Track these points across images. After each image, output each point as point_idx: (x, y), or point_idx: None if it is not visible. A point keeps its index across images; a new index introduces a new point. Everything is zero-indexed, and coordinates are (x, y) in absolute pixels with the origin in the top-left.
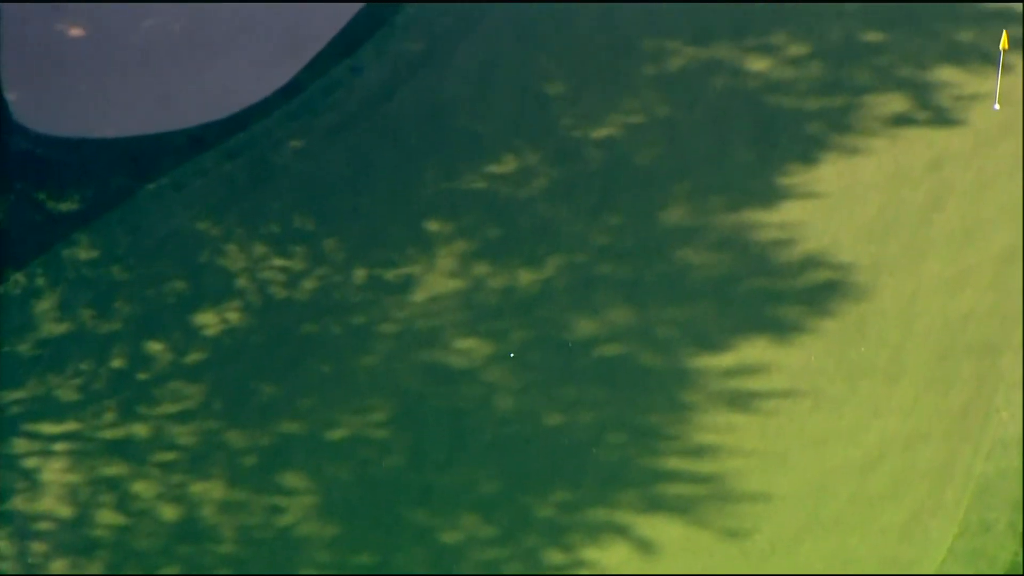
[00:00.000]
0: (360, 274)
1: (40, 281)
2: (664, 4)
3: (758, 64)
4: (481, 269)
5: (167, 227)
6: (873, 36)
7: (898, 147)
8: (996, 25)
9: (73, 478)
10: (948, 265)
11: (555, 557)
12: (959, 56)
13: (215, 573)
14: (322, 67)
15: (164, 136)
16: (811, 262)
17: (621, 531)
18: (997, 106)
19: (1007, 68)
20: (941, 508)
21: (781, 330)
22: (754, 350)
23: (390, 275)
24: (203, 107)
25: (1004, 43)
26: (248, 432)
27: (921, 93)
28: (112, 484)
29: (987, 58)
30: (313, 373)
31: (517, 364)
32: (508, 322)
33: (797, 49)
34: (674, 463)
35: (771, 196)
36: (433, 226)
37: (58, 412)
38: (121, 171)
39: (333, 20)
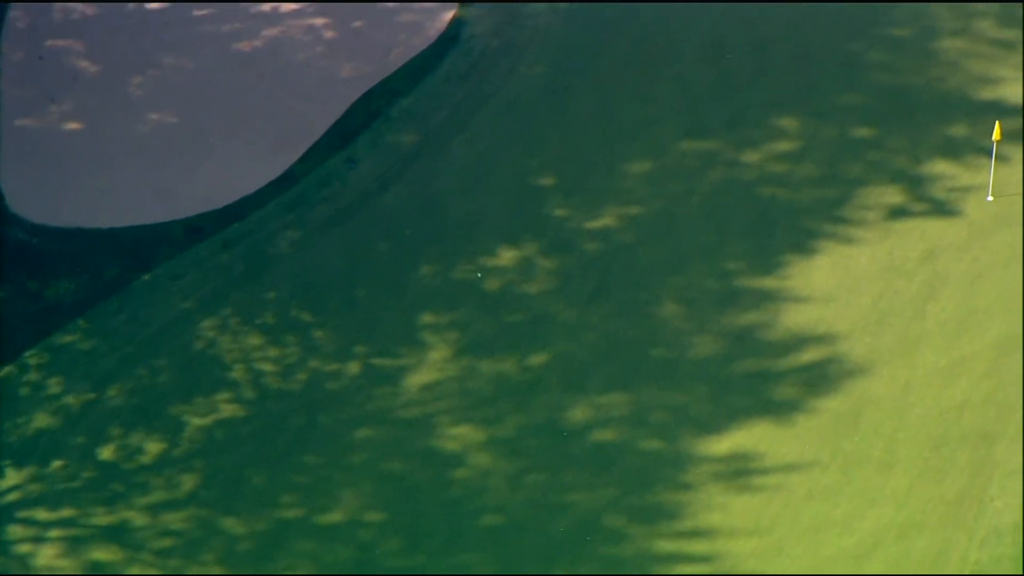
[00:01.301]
0: (354, 364)
1: (35, 371)
2: (661, 97)
3: (752, 156)
4: (475, 358)
5: (163, 317)
6: (865, 131)
7: (892, 238)
8: (988, 118)
9: (67, 563)
10: (943, 355)
11: None
12: (952, 150)
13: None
14: (317, 159)
15: (160, 226)
16: (806, 352)
17: None
18: (991, 197)
19: (1001, 159)
20: None
21: (775, 419)
22: (749, 438)
23: (384, 365)
24: (199, 198)
25: (997, 134)
26: (243, 518)
27: (915, 186)
28: (107, 569)
29: (980, 151)
30: (308, 461)
31: (512, 450)
32: (502, 409)
33: (791, 143)
34: (670, 547)
35: (766, 286)
36: (428, 317)
37: (53, 499)
38: (117, 261)
39: (328, 112)
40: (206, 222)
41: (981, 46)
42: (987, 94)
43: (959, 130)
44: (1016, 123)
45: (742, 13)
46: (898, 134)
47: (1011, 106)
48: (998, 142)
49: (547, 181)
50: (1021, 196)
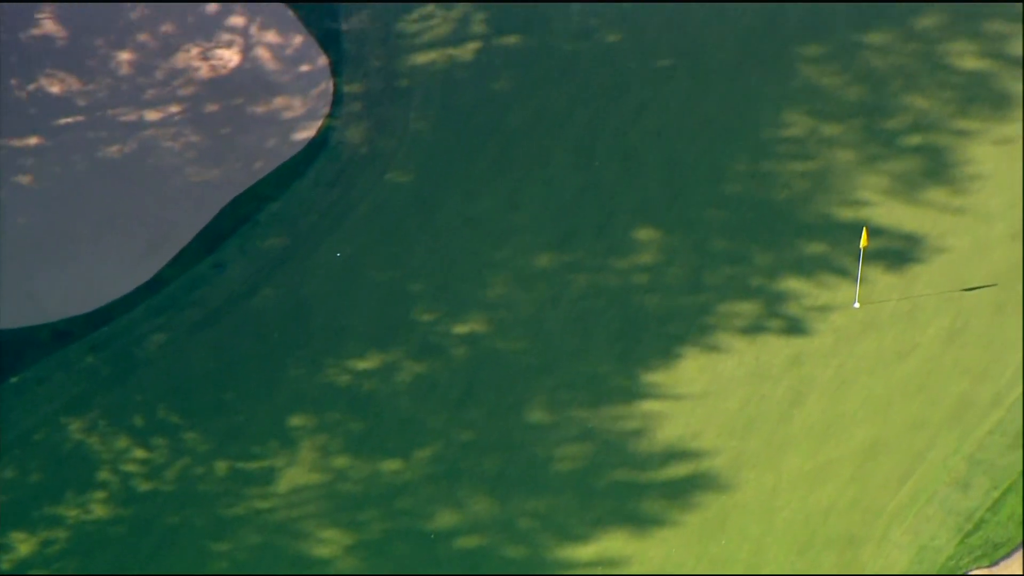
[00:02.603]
0: (223, 466)
1: None
2: (528, 203)
3: (619, 263)
4: (344, 461)
5: (30, 420)
6: (728, 243)
7: (758, 344)
8: (853, 234)
9: None
10: (809, 459)
11: None
12: (817, 258)
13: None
14: (186, 263)
15: (27, 330)
16: (673, 456)
17: None
18: (857, 304)
19: (866, 269)
20: None
21: (642, 523)
22: (615, 542)
23: (253, 467)
24: (67, 301)
25: (864, 241)
26: None
27: (780, 295)
28: None
29: (839, 267)
30: (176, 562)
31: (379, 554)
32: (369, 512)
33: (657, 250)
34: None
35: (634, 391)
36: (297, 420)
37: None
38: None
39: (196, 217)
40: (74, 326)
41: (846, 163)
42: (850, 212)
43: (820, 245)
44: (879, 241)
45: (609, 120)
46: (764, 240)
47: (873, 227)
48: (865, 248)
49: (415, 286)
50: (886, 304)
